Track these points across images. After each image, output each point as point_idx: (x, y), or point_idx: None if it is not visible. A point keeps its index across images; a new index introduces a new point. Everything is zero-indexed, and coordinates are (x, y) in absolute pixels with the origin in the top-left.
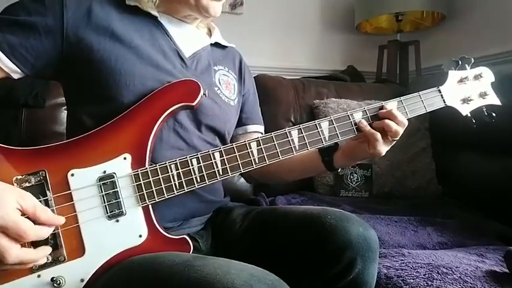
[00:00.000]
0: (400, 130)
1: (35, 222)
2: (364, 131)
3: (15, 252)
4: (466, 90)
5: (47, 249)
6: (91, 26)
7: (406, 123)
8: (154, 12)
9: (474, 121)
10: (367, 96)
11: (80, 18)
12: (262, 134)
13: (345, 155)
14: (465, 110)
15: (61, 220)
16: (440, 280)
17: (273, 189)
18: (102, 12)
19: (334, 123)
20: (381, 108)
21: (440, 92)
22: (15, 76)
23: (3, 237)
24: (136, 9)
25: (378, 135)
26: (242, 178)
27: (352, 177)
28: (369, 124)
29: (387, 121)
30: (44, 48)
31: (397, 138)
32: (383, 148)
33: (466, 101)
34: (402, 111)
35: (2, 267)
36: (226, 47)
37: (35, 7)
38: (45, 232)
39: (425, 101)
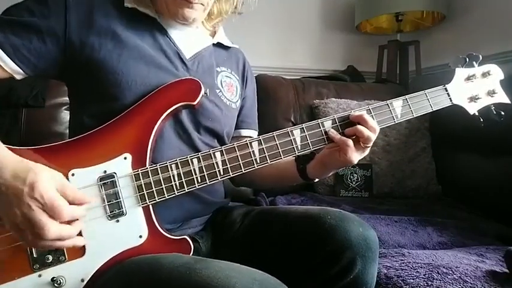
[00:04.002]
0: (372, 136)
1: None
2: (334, 139)
3: (54, 228)
4: (474, 88)
5: (79, 226)
6: (93, 28)
7: (378, 129)
8: (153, 14)
9: (482, 120)
10: (367, 96)
11: (82, 21)
12: None
13: (319, 164)
14: (472, 109)
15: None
16: (440, 280)
17: (273, 189)
18: (104, 14)
19: (337, 121)
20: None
21: (446, 91)
22: (18, 77)
23: (43, 214)
24: (136, 11)
25: (350, 142)
26: None
27: (352, 177)
28: (340, 132)
29: (359, 126)
30: (47, 49)
31: (369, 146)
32: (354, 156)
33: (473, 99)
34: (407, 109)
35: (42, 242)
36: (229, 47)
37: (39, 9)
38: (79, 213)
39: (431, 100)
